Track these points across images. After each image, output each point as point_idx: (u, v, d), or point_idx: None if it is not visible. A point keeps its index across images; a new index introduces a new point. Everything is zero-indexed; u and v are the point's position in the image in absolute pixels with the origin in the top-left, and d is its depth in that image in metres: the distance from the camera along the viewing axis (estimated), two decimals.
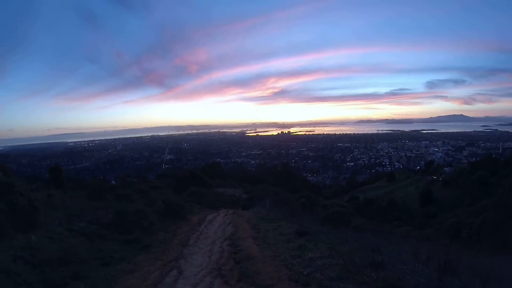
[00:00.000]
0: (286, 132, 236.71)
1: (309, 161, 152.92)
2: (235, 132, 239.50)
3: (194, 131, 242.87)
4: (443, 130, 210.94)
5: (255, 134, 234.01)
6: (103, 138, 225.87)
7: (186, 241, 12.61)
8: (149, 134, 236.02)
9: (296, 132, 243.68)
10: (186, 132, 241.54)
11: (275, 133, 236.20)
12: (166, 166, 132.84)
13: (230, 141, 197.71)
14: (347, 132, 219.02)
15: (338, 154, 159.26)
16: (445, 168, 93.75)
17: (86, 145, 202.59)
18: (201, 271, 8.48)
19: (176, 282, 7.78)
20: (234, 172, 78.55)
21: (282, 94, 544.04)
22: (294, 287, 7.06)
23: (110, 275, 8.22)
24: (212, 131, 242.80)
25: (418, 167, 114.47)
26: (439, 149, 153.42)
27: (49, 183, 21.43)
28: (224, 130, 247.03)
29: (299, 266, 8.15)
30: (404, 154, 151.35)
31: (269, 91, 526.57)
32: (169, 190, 28.29)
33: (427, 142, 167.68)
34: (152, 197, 21.03)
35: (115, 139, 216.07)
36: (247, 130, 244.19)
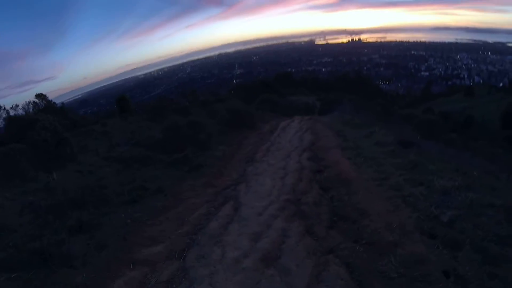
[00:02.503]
0: (357, 39, 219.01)
1: (381, 69, 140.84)
2: (304, 41, 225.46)
3: (262, 44, 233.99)
4: None
5: (324, 42, 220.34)
6: (171, 64, 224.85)
7: (253, 156, 9.42)
8: (217, 53, 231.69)
9: (366, 39, 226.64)
10: (254, 46, 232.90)
11: (345, 40, 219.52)
12: (237, 80, 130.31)
13: (299, 51, 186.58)
14: (422, 40, 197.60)
15: (412, 63, 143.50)
16: None
17: (156, 74, 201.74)
18: (268, 207, 5.17)
19: (225, 230, 4.56)
20: (305, 80, 73.53)
21: (349, 0, 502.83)
22: (432, 249, 3.84)
23: (131, 218, 5.29)
24: (280, 42, 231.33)
25: (501, 84, 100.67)
26: None
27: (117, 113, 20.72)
28: (292, 40, 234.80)
29: (427, 203, 4.53)
30: (485, 67, 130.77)
31: None
32: (237, 101, 25.02)
33: None
34: (216, 108, 17.85)
35: (183, 63, 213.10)
36: (316, 39, 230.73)
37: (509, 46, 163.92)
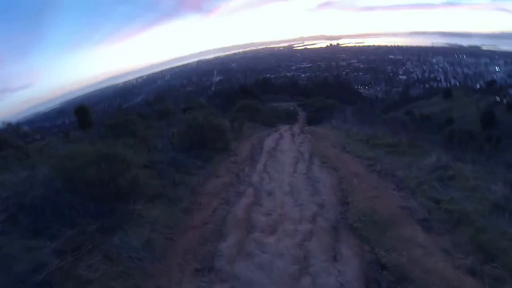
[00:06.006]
0: (335, 44, 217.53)
1: (360, 73, 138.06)
2: (283, 47, 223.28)
3: (241, 50, 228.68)
4: (506, 48, 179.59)
5: (303, 47, 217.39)
6: (150, 72, 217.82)
7: (213, 251, 3.86)
8: (195, 60, 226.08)
9: (345, 44, 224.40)
10: (233, 52, 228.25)
11: (323, 45, 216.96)
12: (216, 87, 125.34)
13: (278, 56, 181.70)
14: (399, 44, 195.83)
15: (390, 67, 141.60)
16: (510, 90, 78.07)
17: (135, 82, 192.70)
18: None
19: None
20: (285, 86, 70.22)
21: (328, 5, 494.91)
22: None
23: None
24: (258, 48, 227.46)
25: (478, 86, 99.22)
26: (500, 69, 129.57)
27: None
28: (271, 45, 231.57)
29: None
30: (461, 70, 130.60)
31: (315, 1, 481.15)
32: (210, 109, 19.52)
33: (487, 60, 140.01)
34: (175, 121, 12.27)
35: (162, 71, 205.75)
36: (294, 44, 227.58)
37: (482, 50, 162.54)
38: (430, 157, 6.24)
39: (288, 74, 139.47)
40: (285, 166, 7.39)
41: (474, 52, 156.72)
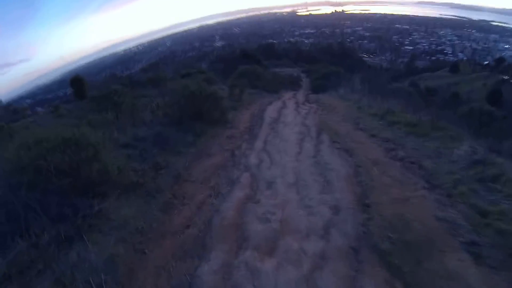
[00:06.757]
0: (340, 10, 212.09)
1: (365, 41, 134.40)
2: (286, 12, 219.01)
3: (243, 15, 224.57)
4: None
5: (307, 13, 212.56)
6: (151, 38, 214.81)
7: (187, 283, 2.82)
8: (197, 25, 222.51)
9: (350, 11, 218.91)
10: (235, 17, 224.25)
11: (328, 11, 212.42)
12: (218, 53, 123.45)
13: (282, 22, 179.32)
14: (406, 14, 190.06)
15: (396, 36, 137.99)
16: None
17: (136, 49, 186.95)
18: None
19: None
20: (288, 51, 68.23)
21: None
22: None
23: None
24: (261, 13, 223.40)
25: (486, 62, 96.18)
26: (509, 46, 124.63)
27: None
28: (275, 10, 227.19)
29: None
30: (469, 45, 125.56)
31: None
32: (207, 75, 18.31)
33: (497, 36, 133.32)
34: (167, 89, 11.03)
35: (163, 37, 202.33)
36: (298, 9, 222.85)
37: (492, 25, 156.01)
38: (461, 146, 5.14)
39: (292, 39, 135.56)
40: (289, 144, 6.33)
41: (484, 27, 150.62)
